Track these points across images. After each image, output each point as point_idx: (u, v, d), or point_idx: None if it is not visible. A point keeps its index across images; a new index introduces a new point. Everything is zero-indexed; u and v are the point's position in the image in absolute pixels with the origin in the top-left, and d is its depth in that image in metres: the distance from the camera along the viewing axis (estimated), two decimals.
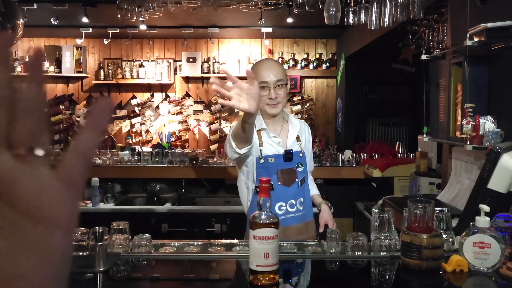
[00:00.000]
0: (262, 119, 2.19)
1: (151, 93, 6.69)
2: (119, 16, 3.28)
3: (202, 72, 6.48)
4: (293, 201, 2.13)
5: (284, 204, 2.11)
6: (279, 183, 2.10)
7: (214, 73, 6.47)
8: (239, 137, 1.92)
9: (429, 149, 3.66)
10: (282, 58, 6.51)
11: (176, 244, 1.79)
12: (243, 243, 1.77)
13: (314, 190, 2.40)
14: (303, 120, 2.43)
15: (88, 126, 0.38)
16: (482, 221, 1.45)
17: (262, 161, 2.09)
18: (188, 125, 6.67)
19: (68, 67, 6.42)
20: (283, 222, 2.07)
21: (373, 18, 2.32)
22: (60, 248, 0.35)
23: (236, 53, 6.56)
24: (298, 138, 2.22)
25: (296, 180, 2.13)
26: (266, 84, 2.08)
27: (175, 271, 1.64)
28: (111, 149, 4.91)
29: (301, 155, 2.19)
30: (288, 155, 2.13)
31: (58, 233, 0.35)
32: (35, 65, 0.37)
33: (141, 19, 3.31)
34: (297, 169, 2.16)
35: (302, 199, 2.15)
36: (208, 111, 6.69)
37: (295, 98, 6.64)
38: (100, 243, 1.48)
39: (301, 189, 2.17)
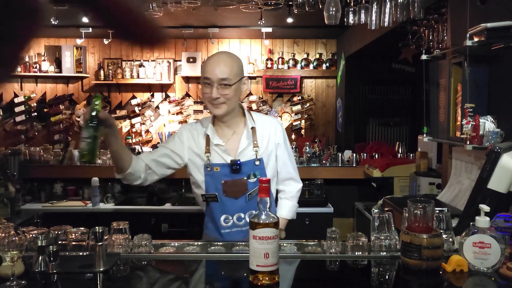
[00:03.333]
0: (210, 122, 2.01)
1: (151, 93, 6.69)
2: None
3: None
4: (241, 214, 1.96)
5: (230, 217, 1.96)
6: (224, 194, 1.94)
7: None
8: (114, 163, 1.91)
9: (429, 149, 3.66)
10: (282, 58, 6.51)
11: (176, 244, 1.79)
12: (243, 243, 1.77)
13: (282, 211, 2.07)
14: (277, 118, 2.20)
15: None
16: (482, 221, 1.45)
17: (208, 169, 1.95)
18: None
19: (68, 67, 6.42)
20: (227, 236, 1.95)
21: (373, 18, 2.32)
22: None
23: (236, 53, 6.54)
24: (255, 144, 1.97)
25: (246, 192, 1.94)
26: (209, 81, 1.89)
27: (175, 271, 1.64)
28: None
29: (256, 163, 1.95)
30: (234, 165, 1.92)
31: None
32: None
33: None
34: (249, 180, 1.94)
35: (253, 212, 1.95)
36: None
37: (295, 98, 6.64)
38: (100, 243, 1.48)
39: (253, 201, 1.93)
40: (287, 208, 2.09)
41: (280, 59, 6.49)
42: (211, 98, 1.90)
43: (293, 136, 6.63)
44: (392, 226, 1.67)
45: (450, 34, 2.68)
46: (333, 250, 1.67)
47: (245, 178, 1.95)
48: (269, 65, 6.49)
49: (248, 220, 1.93)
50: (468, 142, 2.05)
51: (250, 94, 6.64)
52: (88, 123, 1.63)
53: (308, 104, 6.67)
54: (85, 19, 4.64)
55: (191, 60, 6.47)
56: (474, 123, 2.05)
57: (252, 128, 2.00)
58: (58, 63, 6.44)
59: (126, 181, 1.95)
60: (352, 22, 2.41)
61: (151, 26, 0.48)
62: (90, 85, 6.68)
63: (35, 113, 6.58)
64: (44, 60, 6.45)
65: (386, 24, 2.31)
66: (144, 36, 0.48)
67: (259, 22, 4.86)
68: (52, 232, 1.59)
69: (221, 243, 1.81)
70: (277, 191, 2.14)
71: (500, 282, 1.40)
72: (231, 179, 1.94)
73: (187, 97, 6.70)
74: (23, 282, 1.36)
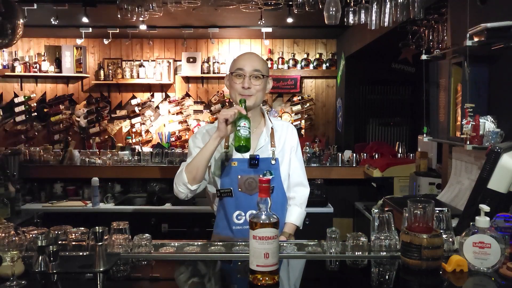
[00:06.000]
0: None
1: (151, 93, 6.69)
2: (119, 16, 3.28)
3: (202, 72, 6.48)
4: (254, 212, 1.95)
5: (243, 214, 1.97)
6: (239, 190, 1.96)
7: (214, 73, 6.48)
8: (195, 172, 1.89)
9: (429, 149, 3.66)
10: (282, 58, 6.51)
11: (176, 244, 1.79)
12: (243, 243, 1.77)
13: (291, 217, 2.09)
14: (290, 123, 2.19)
15: None
16: (482, 221, 1.45)
17: (226, 164, 1.99)
18: (188, 125, 6.67)
19: (68, 67, 6.42)
20: (238, 233, 1.97)
21: (373, 18, 2.32)
22: None
23: (236, 53, 6.54)
24: (273, 144, 2.04)
25: None
26: (242, 71, 1.97)
27: (175, 271, 1.64)
28: (111, 149, 4.91)
29: (272, 162, 2.01)
30: (253, 160, 1.96)
31: None
32: None
33: (141, 19, 3.31)
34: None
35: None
36: (208, 111, 6.69)
37: (295, 98, 6.64)
38: (100, 243, 1.48)
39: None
40: (296, 215, 2.11)
41: (280, 59, 6.49)
42: (243, 88, 1.97)
43: None
44: (392, 226, 1.67)
45: (450, 34, 2.68)
46: (333, 250, 1.67)
47: (261, 175, 1.99)
48: (269, 65, 6.48)
49: None
50: (468, 142, 2.05)
51: None
52: (245, 116, 1.83)
53: (308, 104, 6.67)
54: (85, 19, 4.64)
55: (191, 60, 6.47)
56: (474, 123, 2.05)
57: (271, 128, 2.08)
58: (58, 63, 6.45)
59: (191, 194, 1.98)
60: (352, 22, 2.40)
61: None
62: (90, 85, 6.68)
63: (35, 113, 6.59)
64: (44, 60, 6.45)
65: (386, 24, 2.30)
66: None
67: (259, 22, 4.87)
68: (52, 232, 1.59)
69: (221, 243, 1.81)
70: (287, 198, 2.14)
71: (500, 282, 1.40)
72: (247, 175, 1.98)
73: (187, 97, 6.70)
74: (23, 282, 1.36)
